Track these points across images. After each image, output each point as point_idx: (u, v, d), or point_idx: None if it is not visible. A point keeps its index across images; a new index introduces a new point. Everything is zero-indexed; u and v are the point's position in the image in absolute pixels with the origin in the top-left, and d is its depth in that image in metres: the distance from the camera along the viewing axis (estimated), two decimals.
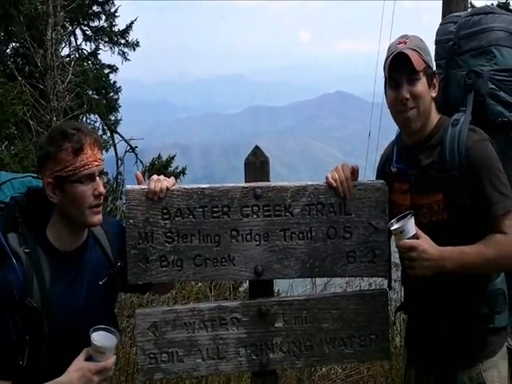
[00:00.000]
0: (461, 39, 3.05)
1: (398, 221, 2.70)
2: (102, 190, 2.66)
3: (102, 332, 2.60)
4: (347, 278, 5.64)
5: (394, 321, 4.02)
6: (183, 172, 16.46)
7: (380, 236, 3.00)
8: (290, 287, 6.25)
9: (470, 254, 2.68)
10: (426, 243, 2.67)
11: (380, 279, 4.45)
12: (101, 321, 2.73)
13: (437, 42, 3.20)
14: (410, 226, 2.68)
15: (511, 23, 3.06)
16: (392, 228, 2.71)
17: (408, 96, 2.80)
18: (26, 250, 2.62)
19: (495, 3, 14.78)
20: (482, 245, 2.69)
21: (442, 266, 2.66)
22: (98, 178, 2.66)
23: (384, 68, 2.93)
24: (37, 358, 2.63)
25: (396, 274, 3.30)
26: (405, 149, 3.01)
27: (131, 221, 2.91)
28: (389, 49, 2.91)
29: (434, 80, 2.91)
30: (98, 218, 2.70)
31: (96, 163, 2.65)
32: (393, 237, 2.82)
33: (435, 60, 3.06)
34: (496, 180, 2.72)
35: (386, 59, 2.89)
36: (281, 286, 6.48)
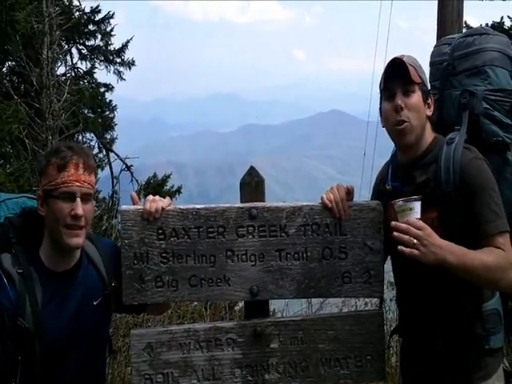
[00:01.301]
0: (455, 60, 3.08)
1: (405, 201, 2.67)
2: (78, 211, 2.65)
3: None
4: (343, 298, 5.63)
5: (389, 344, 3.99)
6: (179, 191, 16.45)
7: (375, 256, 3.00)
8: (286, 306, 6.24)
9: (472, 256, 2.64)
10: (432, 230, 2.63)
11: (376, 299, 4.45)
12: (93, 341, 2.73)
13: (431, 64, 3.23)
14: (418, 207, 2.66)
15: (505, 44, 3.10)
16: (401, 203, 2.66)
17: (403, 105, 2.82)
18: (19, 271, 2.64)
19: (490, 23, 14.94)
20: (483, 252, 2.67)
21: (445, 256, 2.59)
22: (78, 199, 2.66)
23: (380, 83, 2.96)
24: (29, 379, 2.63)
25: (392, 293, 3.29)
26: (400, 167, 3.02)
27: (126, 241, 2.91)
28: (385, 66, 2.93)
29: (430, 99, 2.94)
30: (76, 240, 2.68)
31: (77, 183, 2.66)
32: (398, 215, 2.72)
33: (430, 81, 3.09)
34: (489, 199, 2.72)
35: (383, 73, 2.92)
36: (277, 305, 6.47)
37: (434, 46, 3.32)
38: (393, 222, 2.68)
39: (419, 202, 2.66)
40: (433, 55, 3.26)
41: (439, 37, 8.91)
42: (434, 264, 2.61)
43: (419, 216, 2.65)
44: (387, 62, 2.94)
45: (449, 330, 2.85)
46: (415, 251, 2.58)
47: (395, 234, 2.65)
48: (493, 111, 2.95)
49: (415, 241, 2.58)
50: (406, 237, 2.60)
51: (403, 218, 2.66)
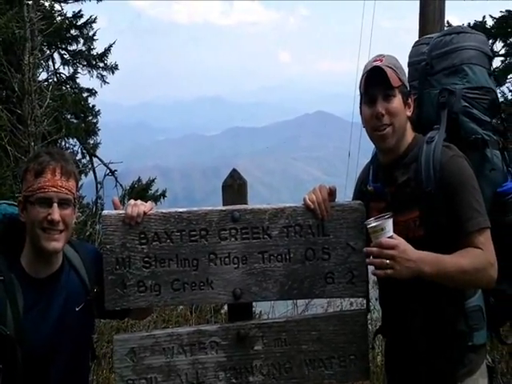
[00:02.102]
0: (433, 59, 3.10)
1: (375, 220, 2.67)
2: (54, 217, 2.64)
3: None
4: (327, 298, 5.64)
5: (374, 344, 3.99)
6: (163, 195, 16.40)
7: (358, 257, 3.00)
8: (272, 308, 6.24)
9: (448, 261, 2.66)
10: (405, 244, 2.65)
11: (361, 298, 4.46)
12: (76, 347, 2.71)
13: (409, 64, 3.24)
14: (390, 225, 2.66)
15: (482, 42, 3.12)
16: (373, 225, 2.66)
17: (383, 112, 2.83)
18: (0, 278, 2.62)
19: (472, 22, 15.04)
20: (459, 255, 2.69)
21: (420, 268, 2.62)
22: (55, 204, 2.65)
23: (360, 85, 2.96)
24: None
25: (376, 292, 3.30)
26: (381, 168, 3.03)
27: (108, 246, 2.90)
28: (365, 67, 2.94)
29: (409, 100, 2.94)
30: (54, 244, 2.67)
31: (54, 189, 2.65)
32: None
33: (409, 81, 3.08)
34: (470, 196, 2.74)
35: (362, 76, 2.92)
36: (262, 306, 6.47)
37: (412, 46, 3.34)
38: (365, 249, 2.74)
39: (391, 220, 2.66)
40: (411, 55, 3.28)
41: (421, 36, 8.95)
42: (410, 277, 2.63)
43: (391, 233, 2.65)
44: (366, 63, 2.95)
45: (432, 328, 2.85)
46: (389, 271, 2.61)
47: (367, 260, 2.71)
48: (471, 109, 2.97)
49: (388, 261, 2.60)
50: (378, 261, 2.64)
51: (376, 238, 2.66)
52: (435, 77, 3.08)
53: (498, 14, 15.51)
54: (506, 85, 13.18)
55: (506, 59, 15.64)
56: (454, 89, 2.99)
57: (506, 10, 15.54)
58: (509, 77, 15.29)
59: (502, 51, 15.25)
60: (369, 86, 2.89)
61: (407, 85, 2.96)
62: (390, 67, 2.85)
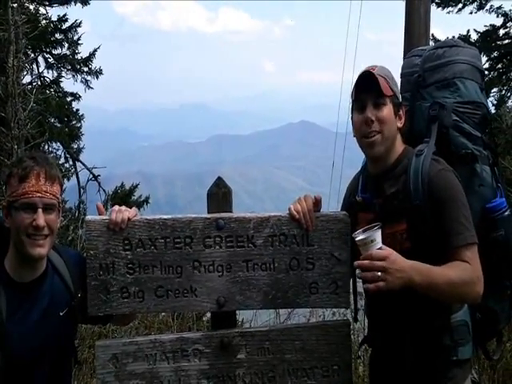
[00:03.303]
0: (425, 72, 3.09)
1: (364, 232, 2.65)
2: (39, 222, 2.62)
3: None
4: (310, 308, 5.63)
5: (359, 354, 3.99)
6: (147, 201, 16.38)
7: (342, 267, 3.00)
8: (254, 316, 6.23)
9: (437, 272, 2.64)
10: (396, 254, 2.62)
11: (343, 309, 4.46)
12: (59, 352, 2.69)
13: (402, 76, 3.24)
14: (379, 236, 2.63)
15: (474, 56, 3.12)
16: (362, 237, 2.63)
17: (373, 118, 2.82)
18: None
19: (456, 36, 15.20)
20: (448, 267, 2.67)
21: (411, 278, 2.59)
22: (40, 210, 2.64)
23: (352, 92, 2.95)
24: None
25: (360, 302, 3.30)
26: (370, 178, 3.02)
27: (92, 252, 2.88)
28: (358, 76, 2.92)
29: (401, 111, 2.93)
30: (39, 250, 2.66)
31: (38, 194, 2.64)
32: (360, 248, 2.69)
33: (401, 93, 3.07)
34: (458, 211, 2.72)
35: (355, 83, 2.92)
36: (245, 315, 6.46)
37: (405, 58, 3.34)
38: (355, 262, 2.69)
39: (379, 231, 2.64)
40: (403, 67, 3.28)
41: (407, 49, 9.02)
42: (401, 288, 2.61)
43: (380, 245, 2.63)
44: (359, 72, 2.95)
45: (418, 341, 2.84)
46: (380, 283, 2.57)
47: (358, 274, 2.70)
48: (462, 123, 2.96)
49: (379, 274, 2.57)
50: (370, 274, 2.59)
51: (366, 250, 2.63)
52: (427, 89, 3.07)
53: (482, 29, 15.73)
54: (490, 99, 13.33)
55: (490, 73, 15.84)
56: (445, 103, 2.98)
57: (490, 25, 15.76)
58: (492, 91, 15.47)
59: (486, 65, 15.44)
60: (360, 92, 2.89)
61: (399, 96, 2.96)
62: (383, 76, 2.85)
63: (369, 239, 2.62)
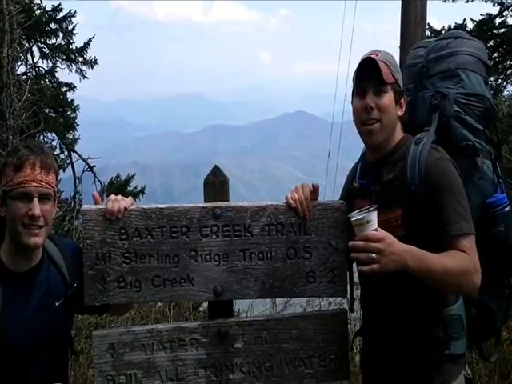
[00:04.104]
0: (429, 62, 3.07)
1: (360, 212, 2.62)
2: (35, 212, 2.61)
3: None
4: (307, 297, 5.64)
5: (353, 346, 3.96)
6: (142, 191, 16.35)
7: (339, 256, 3.00)
8: (251, 306, 6.24)
9: (433, 259, 2.61)
10: (392, 237, 2.59)
11: (340, 298, 4.46)
12: (56, 342, 2.68)
13: (407, 67, 3.22)
14: (375, 217, 2.61)
15: (479, 49, 3.09)
16: (358, 217, 2.60)
17: (373, 105, 2.80)
18: None
19: (452, 25, 15.16)
20: (445, 255, 2.64)
21: (406, 262, 2.55)
22: (35, 199, 2.62)
23: (353, 77, 2.93)
24: None
25: (356, 292, 3.29)
26: (368, 165, 3.01)
27: (88, 241, 2.87)
28: (360, 59, 2.89)
29: (402, 99, 2.91)
30: (34, 240, 2.65)
31: (34, 184, 2.62)
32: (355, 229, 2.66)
33: (405, 84, 3.04)
34: (454, 200, 2.70)
35: (356, 68, 2.89)
36: (241, 305, 6.47)
37: (412, 49, 3.32)
38: (350, 243, 2.64)
39: (375, 212, 2.61)
40: (409, 58, 3.25)
41: (403, 38, 9.01)
42: (395, 270, 2.57)
43: (376, 226, 2.60)
44: (362, 56, 2.90)
45: (410, 333, 2.82)
46: (375, 266, 2.53)
47: (352, 255, 2.63)
48: (464, 115, 2.93)
49: (374, 255, 2.54)
50: (364, 255, 2.55)
51: (361, 231, 2.60)
52: (430, 80, 3.05)
53: (478, 17, 15.68)
54: None
55: None
56: (448, 92, 2.95)
57: (487, 14, 15.72)
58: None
59: None
60: (361, 78, 2.86)
61: (401, 84, 2.93)
62: (385, 63, 2.83)
63: (364, 220, 2.59)
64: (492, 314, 2.97)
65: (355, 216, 2.62)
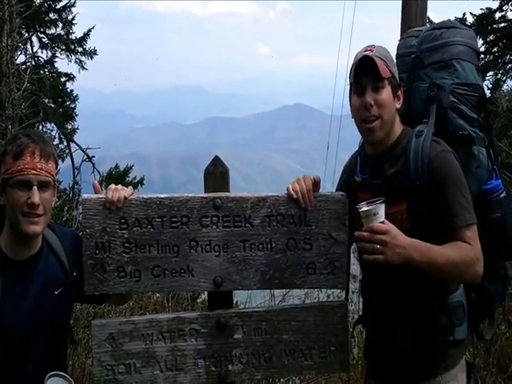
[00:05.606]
0: (422, 53, 3.08)
1: (368, 204, 2.65)
2: (34, 200, 2.60)
3: (55, 378, 2.55)
4: (306, 289, 5.64)
5: (352, 334, 3.99)
6: (141, 182, 16.33)
7: (340, 248, 3.00)
8: (249, 298, 6.24)
9: (437, 251, 2.66)
10: (397, 230, 2.64)
11: (338, 290, 4.46)
12: (55, 331, 2.68)
13: (398, 56, 3.22)
14: (383, 210, 2.64)
15: (471, 38, 3.10)
16: (365, 209, 2.63)
17: (372, 102, 2.81)
18: None
19: (452, 18, 15.12)
20: (448, 247, 2.69)
21: (410, 255, 2.61)
22: (35, 187, 2.61)
23: (350, 74, 2.93)
24: None
25: (354, 285, 3.30)
26: (368, 159, 3.01)
27: (88, 230, 2.86)
28: (355, 56, 2.91)
29: (399, 92, 2.93)
30: (33, 228, 2.64)
31: (34, 172, 2.61)
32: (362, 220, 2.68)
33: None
34: (457, 192, 2.73)
35: (353, 65, 2.90)
36: (240, 297, 6.47)
37: (401, 38, 3.32)
38: (356, 233, 2.69)
39: (383, 205, 2.64)
40: (399, 47, 3.25)
41: (403, 32, 8.98)
42: (399, 264, 2.62)
43: (383, 219, 2.63)
44: (357, 51, 2.93)
45: (414, 321, 2.86)
46: (379, 257, 2.59)
47: (358, 245, 2.69)
48: (460, 105, 2.96)
49: (378, 246, 2.59)
50: (368, 245, 2.61)
51: (368, 223, 2.63)
52: (424, 70, 3.06)
53: (478, 12, 15.62)
54: (485, 82, 13.29)
55: (486, 57, 15.77)
56: (443, 84, 2.97)
57: (487, 8, 15.67)
58: (488, 74, 15.43)
59: (482, 48, 15.37)
60: (358, 76, 2.86)
61: (397, 77, 2.94)
62: (381, 58, 2.83)
63: (372, 212, 2.62)
64: (491, 297, 3.02)
65: (363, 207, 2.65)
